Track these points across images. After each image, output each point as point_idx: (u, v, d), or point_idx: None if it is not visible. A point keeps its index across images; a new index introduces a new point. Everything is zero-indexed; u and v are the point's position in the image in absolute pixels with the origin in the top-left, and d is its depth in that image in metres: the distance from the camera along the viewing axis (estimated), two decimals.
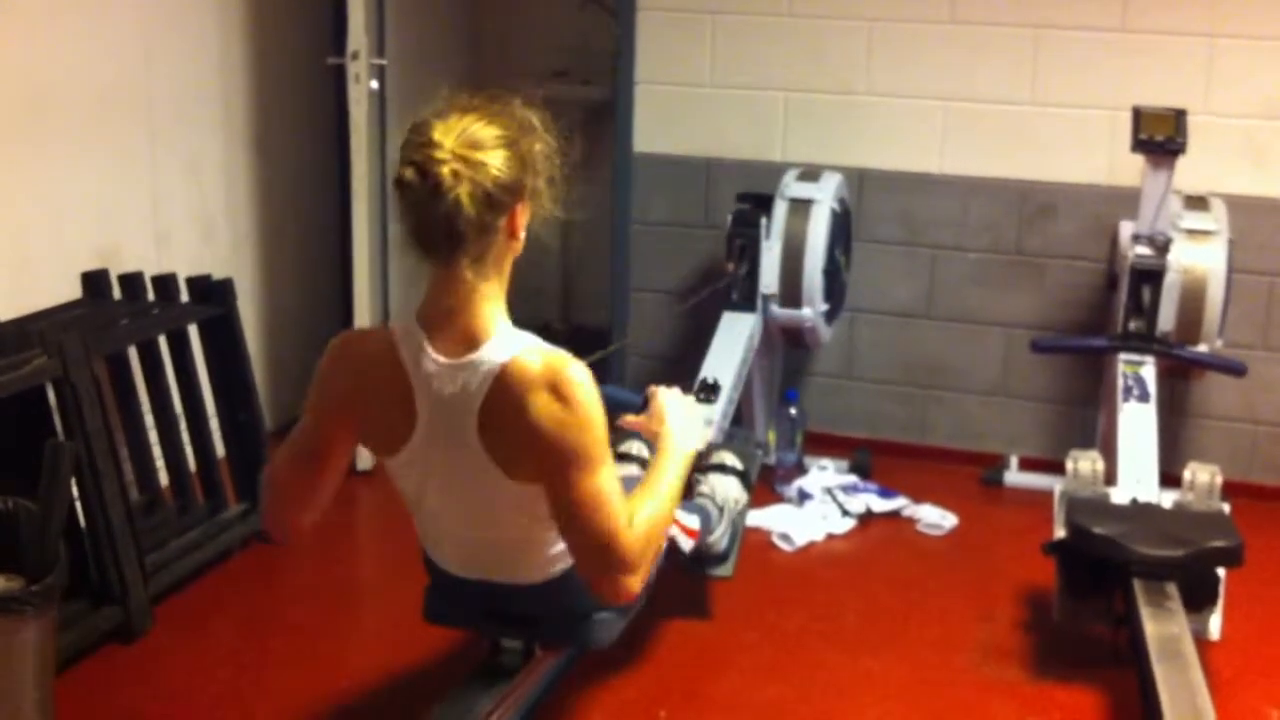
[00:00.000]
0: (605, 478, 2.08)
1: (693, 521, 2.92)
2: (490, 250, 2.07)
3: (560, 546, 2.23)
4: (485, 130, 2.03)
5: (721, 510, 3.15)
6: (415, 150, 2.00)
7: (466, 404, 2.08)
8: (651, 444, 2.55)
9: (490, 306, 2.11)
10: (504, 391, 2.06)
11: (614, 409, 2.31)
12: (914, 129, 4.40)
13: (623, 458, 3.03)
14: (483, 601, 2.42)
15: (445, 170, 1.98)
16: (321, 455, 2.26)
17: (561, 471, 2.06)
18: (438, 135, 2.00)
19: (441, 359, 2.09)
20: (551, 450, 2.05)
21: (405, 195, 2.02)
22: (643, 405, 2.52)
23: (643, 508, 2.16)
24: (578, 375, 2.06)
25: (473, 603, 2.44)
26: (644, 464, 2.96)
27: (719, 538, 3.17)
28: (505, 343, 2.10)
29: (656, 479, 2.26)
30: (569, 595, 2.34)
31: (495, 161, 2.01)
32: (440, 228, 2.01)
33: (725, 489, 3.21)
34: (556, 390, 2.04)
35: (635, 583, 2.12)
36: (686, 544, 2.84)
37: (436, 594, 2.52)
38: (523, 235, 2.14)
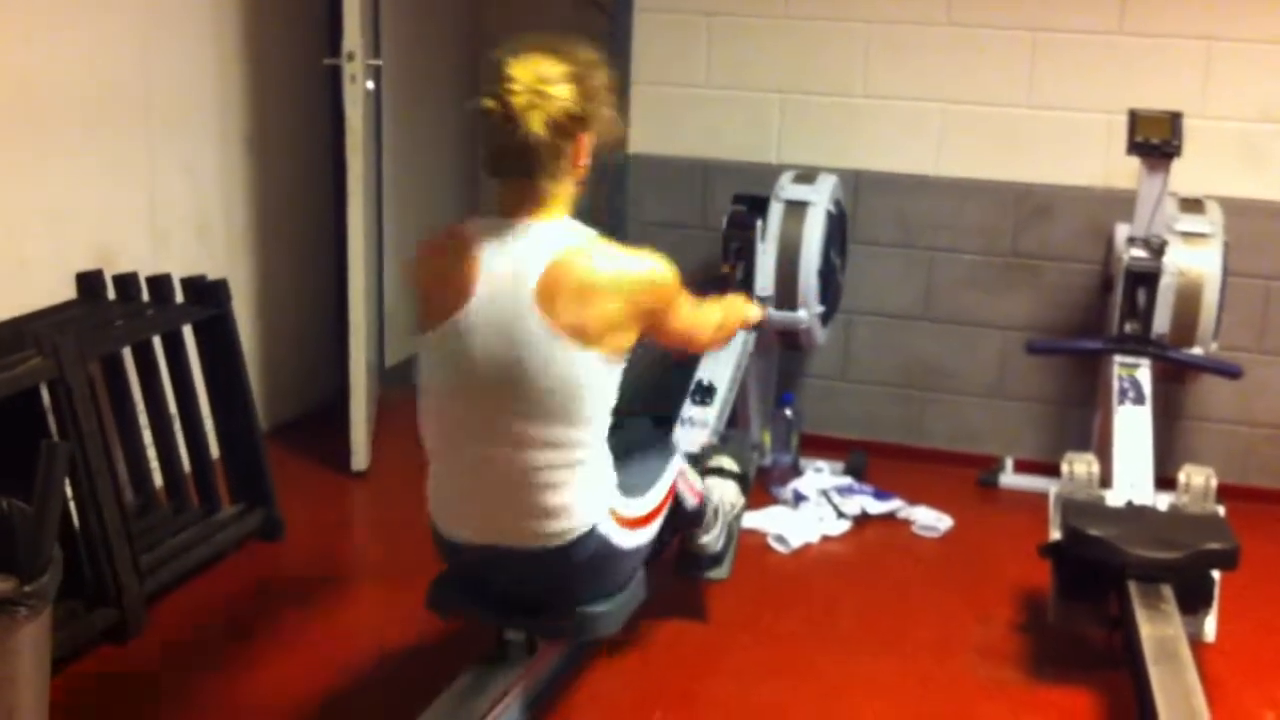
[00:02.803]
0: (686, 312, 2.55)
1: (699, 484, 2.96)
2: (560, 170, 2.38)
3: (569, 497, 2.38)
4: (554, 67, 2.31)
5: (716, 513, 3.15)
6: (495, 84, 2.29)
7: (528, 272, 2.32)
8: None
9: (559, 208, 2.41)
10: (572, 263, 2.33)
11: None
12: (910, 131, 4.40)
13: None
14: (489, 579, 2.48)
15: (520, 100, 2.27)
16: None
17: (653, 321, 2.44)
18: (513, 71, 2.28)
19: (509, 231, 2.37)
20: (639, 310, 2.38)
21: (486, 122, 2.31)
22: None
23: (716, 311, 2.78)
24: (652, 258, 2.42)
25: (480, 584, 2.50)
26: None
27: (714, 539, 3.17)
28: (574, 227, 2.41)
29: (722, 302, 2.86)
30: (574, 570, 2.44)
31: (563, 94, 2.30)
32: (515, 150, 2.31)
33: (722, 492, 3.21)
34: (636, 268, 2.39)
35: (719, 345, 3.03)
36: (691, 501, 2.88)
37: (441, 584, 2.56)
38: (587, 160, 2.43)
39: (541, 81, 2.29)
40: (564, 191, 2.41)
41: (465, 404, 2.38)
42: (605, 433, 2.44)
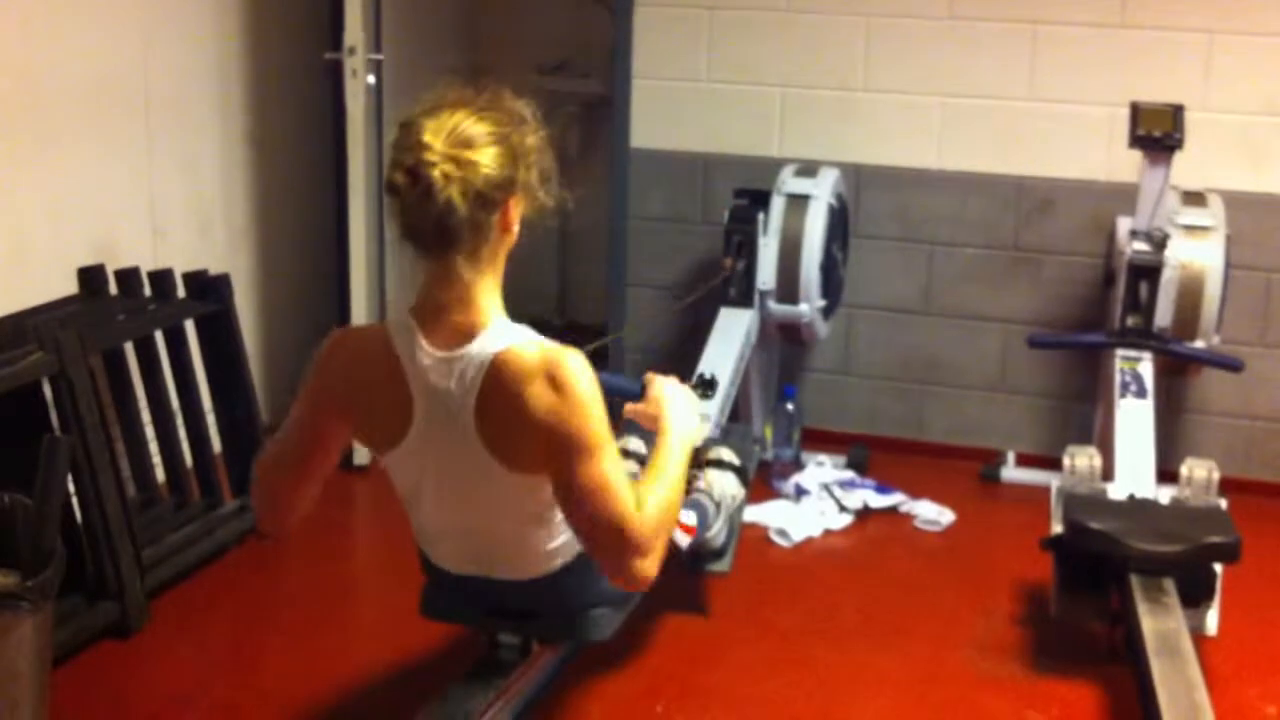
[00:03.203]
0: (609, 464, 2.08)
1: (690, 518, 2.92)
2: (484, 245, 2.08)
3: (558, 542, 2.29)
4: (475, 127, 2.03)
5: (719, 506, 3.15)
6: (405, 153, 2.01)
7: (463, 396, 2.10)
8: (650, 438, 2.56)
9: (485, 300, 2.12)
10: (499, 382, 2.07)
11: (613, 396, 2.32)
12: (911, 125, 4.39)
13: (623, 454, 3.03)
14: (480, 598, 2.44)
15: (436, 173, 1.98)
16: (310, 454, 2.27)
17: (564, 459, 2.07)
18: (428, 137, 2.00)
19: (437, 352, 2.11)
20: (552, 439, 2.06)
21: (397, 198, 2.02)
22: (641, 393, 2.50)
23: (651, 492, 2.15)
24: (573, 363, 2.07)
25: (470, 599, 2.46)
26: (642, 460, 2.97)
27: (716, 533, 3.17)
28: (500, 334, 2.11)
29: (661, 463, 2.24)
30: (567, 590, 2.37)
31: (486, 159, 2.02)
32: (433, 227, 2.02)
33: (722, 485, 3.20)
34: (553, 379, 2.05)
35: (651, 566, 2.12)
36: (684, 540, 2.85)
37: (433, 590, 2.53)
38: (516, 228, 2.15)
39: (460, 146, 2.00)
40: (491, 269, 2.12)
41: (436, 505, 2.27)
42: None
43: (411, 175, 1.99)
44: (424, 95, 2.10)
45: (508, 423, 2.08)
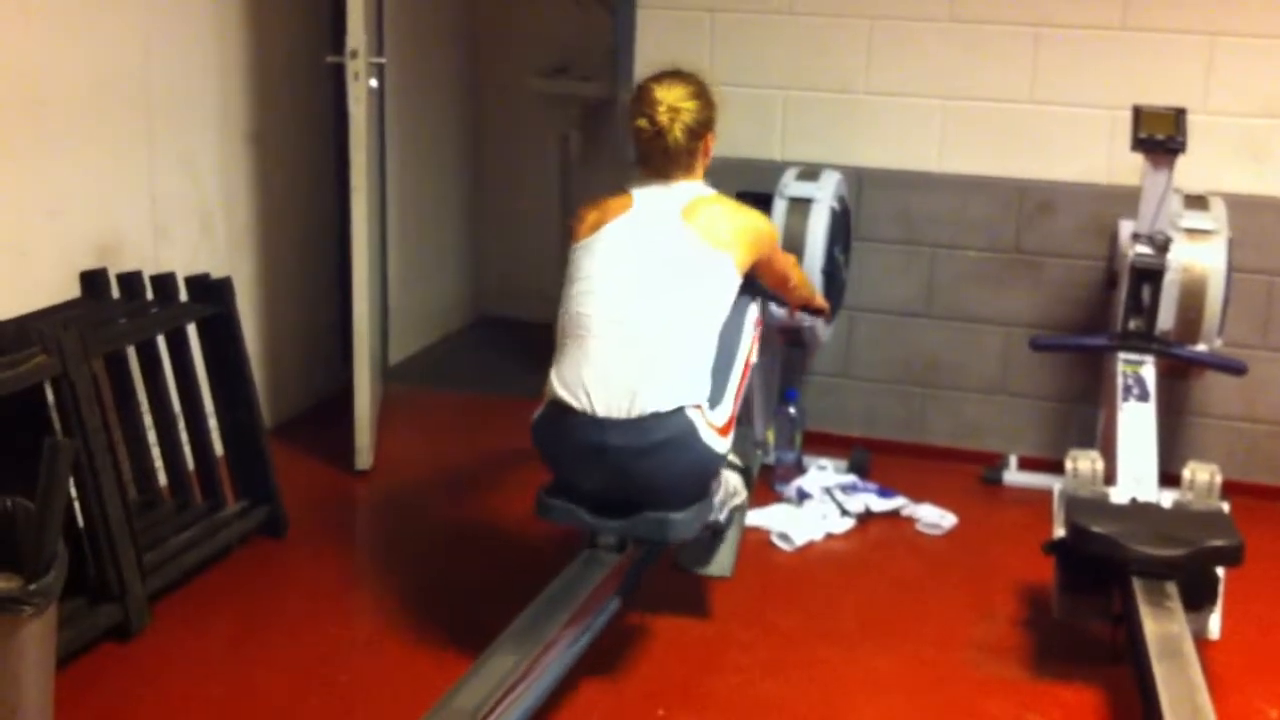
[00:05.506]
0: (781, 255, 3.31)
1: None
2: (694, 166, 3.11)
3: (687, 371, 2.93)
4: (686, 88, 3.06)
5: (722, 504, 3.16)
6: (646, 106, 3.03)
7: (674, 202, 3.05)
8: None
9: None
10: (709, 204, 3.06)
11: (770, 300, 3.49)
12: (913, 128, 4.40)
13: None
14: (592, 454, 2.90)
15: (665, 118, 3.01)
16: None
17: (768, 257, 3.18)
18: (659, 94, 3.03)
19: (657, 183, 3.08)
20: (759, 243, 3.11)
21: (640, 135, 3.05)
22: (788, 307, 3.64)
23: (798, 268, 3.54)
24: (763, 216, 3.23)
25: (582, 462, 2.93)
26: None
27: (715, 510, 3.16)
28: (706, 187, 3.13)
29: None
30: (664, 447, 2.89)
31: (694, 107, 3.05)
32: (661, 154, 3.05)
33: (725, 477, 3.20)
34: (760, 218, 3.16)
35: (818, 295, 3.68)
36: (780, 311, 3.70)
37: (548, 493, 2.99)
38: (710, 156, 3.16)
39: (678, 100, 3.02)
40: (697, 179, 3.13)
41: (609, 283, 2.98)
42: (715, 344, 2.99)
43: (650, 119, 3.01)
44: (650, 72, 3.15)
45: (716, 221, 3.02)
